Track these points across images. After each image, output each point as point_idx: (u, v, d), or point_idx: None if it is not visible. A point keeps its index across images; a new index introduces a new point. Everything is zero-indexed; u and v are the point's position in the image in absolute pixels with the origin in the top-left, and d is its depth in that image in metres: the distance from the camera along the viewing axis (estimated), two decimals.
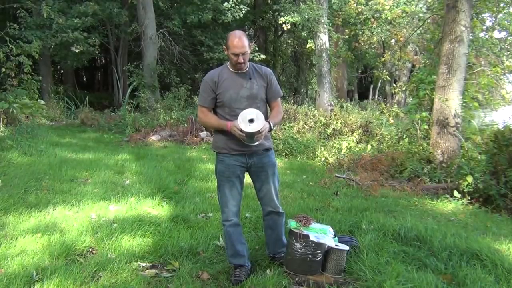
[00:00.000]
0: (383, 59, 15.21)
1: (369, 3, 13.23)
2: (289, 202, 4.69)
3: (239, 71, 2.75)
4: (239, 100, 2.69)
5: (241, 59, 2.65)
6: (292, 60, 24.08)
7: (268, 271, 2.88)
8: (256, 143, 2.69)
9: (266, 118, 2.79)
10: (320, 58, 12.64)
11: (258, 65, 2.92)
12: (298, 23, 12.59)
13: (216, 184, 2.88)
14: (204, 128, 9.73)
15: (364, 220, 3.86)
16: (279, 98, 2.91)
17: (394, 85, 15.61)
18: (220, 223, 3.77)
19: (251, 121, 2.58)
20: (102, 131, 10.81)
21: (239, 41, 2.62)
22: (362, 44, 15.32)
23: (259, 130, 2.58)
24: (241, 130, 2.57)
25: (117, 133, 10.42)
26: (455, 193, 5.27)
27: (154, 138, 9.35)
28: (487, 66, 8.14)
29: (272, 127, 2.71)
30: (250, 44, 2.78)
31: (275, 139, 8.57)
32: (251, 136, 2.61)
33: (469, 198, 5.20)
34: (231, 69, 2.77)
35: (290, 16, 12.56)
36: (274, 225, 2.98)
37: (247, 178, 2.93)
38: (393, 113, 10.20)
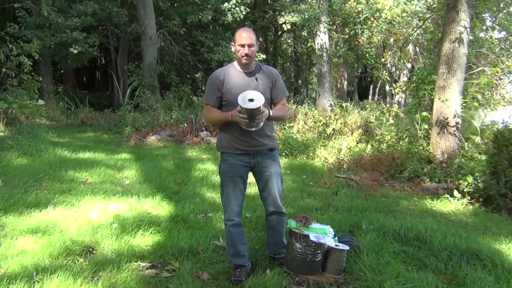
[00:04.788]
0: (383, 59, 15.21)
1: (369, 2, 13.23)
2: (289, 202, 4.68)
3: (246, 71, 2.75)
4: None
5: (247, 50, 2.65)
6: (292, 60, 24.11)
7: (268, 271, 2.87)
8: (254, 128, 2.66)
9: (269, 114, 2.80)
10: (320, 58, 12.65)
11: (264, 65, 2.92)
12: (298, 23, 12.59)
13: (218, 183, 2.88)
14: (204, 128, 9.73)
15: (364, 220, 3.86)
16: (284, 98, 2.91)
17: (394, 85, 15.60)
18: (220, 223, 3.78)
19: (251, 100, 2.56)
20: (102, 131, 10.81)
21: (247, 33, 2.70)
22: (362, 44, 15.32)
23: (259, 108, 2.55)
24: (241, 110, 2.55)
25: (117, 133, 10.41)
26: (455, 193, 5.27)
27: (154, 138, 9.35)
28: (487, 66, 8.12)
29: (271, 115, 2.70)
30: (258, 42, 2.79)
31: None
32: (251, 116, 2.57)
33: (469, 198, 5.19)
34: (237, 68, 2.77)
35: (290, 16, 12.56)
36: (276, 225, 2.98)
37: (250, 178, 2.93)
38: (393, 113, 10.20)
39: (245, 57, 2.67)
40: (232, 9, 14.37)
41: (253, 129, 2.67)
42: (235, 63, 2.80)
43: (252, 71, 2.78)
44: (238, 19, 14.53)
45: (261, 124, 2.66)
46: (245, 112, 2.56)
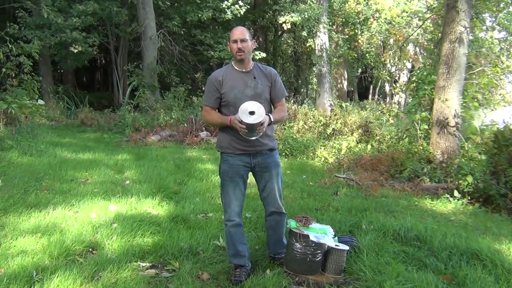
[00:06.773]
0: (383, 59, 15.23)
1: (369, 3, 13.25)
2: (289, 202, 4.68)
3: (244, 70, 2.76)
4: (244, 99, 2.69)
5: (240, 45, 2.68)
6: (292, 60, 24.09)
7: (268, 271, 2.87)
8: (254, 137, 2.67)
9: (270, 121, 2.79)
10: (320, 58, 12.66)
11: (263, 64, 2.92)
12: (298, 23, 12.60)
13: (218, 183, 2.88)
14: (204, 128, 9.73)
15: (364, 220, 3.86)
16: (283, 99, 2.91)
17: (394, 85, 15.62)
18: (220, 223, 3.78)
19: (251, 113, 2.57)
20: (102, 131, 10.81)
21: (239, 29, 2.76)
22: (361, 44, 15.34)
23: (259, 122, 2.57)
24: (241, 122, 2.56)
25: (117, 133, 10.41)
26: (455, 193, 5.27)
27: (154, 138, 9.35)
28: (487, 66, 8.14)
29: (272, 121, 2.72)
30: (253, 40, 2.80)
31: None
32: (251, 128, 2.59)
33: (469, 198, 5.20)
34: (236, 68, 2.78)
35: (290, 15, 12.57)
36: (276, 225, 2.98)
37: (250, 178, 2.93)
38: (393, 113, 10.22)
39: (239, 52, 2.69)
40: (232, 7, 14.39)
41: (253, 138, 2.68)
42: (233, 63, 2.81)
43: (251, 70, 2.78)
44: (238, 16, 14.53)
45: (261, 133, 2.67)
46: (245, 125, 2.57)
